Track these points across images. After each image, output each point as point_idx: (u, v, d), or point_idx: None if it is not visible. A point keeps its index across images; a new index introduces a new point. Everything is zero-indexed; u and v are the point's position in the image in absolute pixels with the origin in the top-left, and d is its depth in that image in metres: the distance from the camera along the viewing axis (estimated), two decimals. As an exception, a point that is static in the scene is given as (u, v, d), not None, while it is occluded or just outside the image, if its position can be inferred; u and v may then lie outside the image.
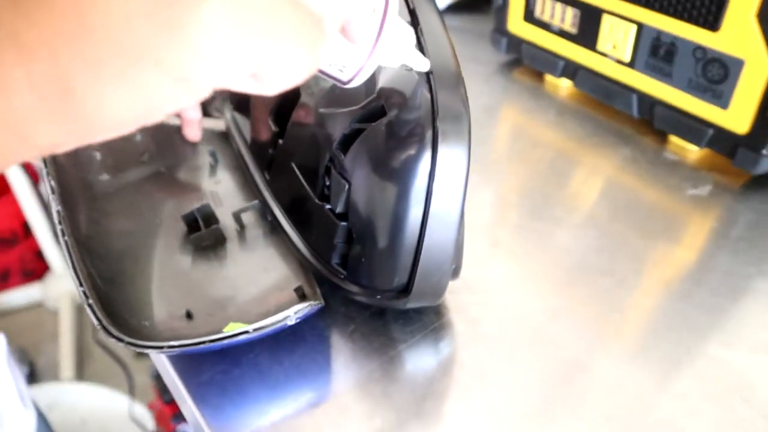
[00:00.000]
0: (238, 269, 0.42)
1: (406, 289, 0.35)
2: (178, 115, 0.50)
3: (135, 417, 1.19)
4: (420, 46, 0.33)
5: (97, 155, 0.48)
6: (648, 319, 0.40)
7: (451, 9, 0.79)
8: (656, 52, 0.52)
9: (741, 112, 0.47)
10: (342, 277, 0.37)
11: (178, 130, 0.51)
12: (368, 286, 0.36)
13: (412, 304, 0.36)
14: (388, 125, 0.34)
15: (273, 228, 0.44)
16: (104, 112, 0.19)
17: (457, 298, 0.40)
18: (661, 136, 0.56)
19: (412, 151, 0.32)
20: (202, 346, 0.33)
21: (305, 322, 0.37)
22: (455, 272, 0.37)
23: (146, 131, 0.51)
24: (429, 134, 0.32)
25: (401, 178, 0.33)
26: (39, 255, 1.57)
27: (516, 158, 0.55)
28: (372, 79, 0.34)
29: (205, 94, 0.21)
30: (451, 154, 0.32)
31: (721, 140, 0.49)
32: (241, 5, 0.19)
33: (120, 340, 0.33)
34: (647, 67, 0.53)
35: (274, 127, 0.43)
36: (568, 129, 0.58)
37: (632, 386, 0.35)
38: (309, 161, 0.39)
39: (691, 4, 0.47)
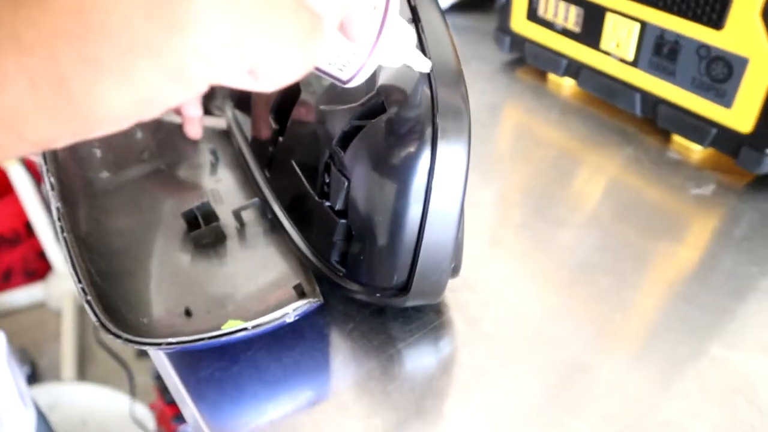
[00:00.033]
0: (238, 267, 0.42)
1: (405, 287, 0.35)
2: (179, 113, 0.50)
3: (136, 417, 1.19)
4: (421, 43, 0.33)
5: (98, 152, 0.48)
6: (650, 319, 0.39)
7: (455, 8, 0.80)
8: (660, 51, 0.51)
9: (745, 111, 0.47)
10: (341, 274, 0.38)
11: (179, 127, 0.51)
12: (367, 284, 0.37)
13: (411, 302, 0.36)
14: (388, 122, 0.34)
15: (273, 226, 0.44)
16: (101, 108, 0.19)
17: (457, 296, 0.40)
18: (665, 136, 0.56)
19: (411, 148, 0.33)
20: (200, 343, 0.33)
21: (304, 319, 0.37)
22: (455, 270, 0.37)
23: (147, 129, 0.52)
24: (429, 131, 0.32)
25: (400, 175, 0.33)
26: (41, 255, 1.58)
27: (518, 157, 0.55)
28: (372, 77, 0.34)
29: (202, 89, 0.21)
30: (450, 151, 0.32)
31: (724, 139, 0.49)
32: (238, 1, 0.19)
33: (118, 336, 0.33)
34: (650, 65, 0.53)
35: (274, 125, 0.44)
36: (571, 128, 0.58)
37: (633, 387, 0.35)
38: (309, 159, 0.39)
39: (695, 2, 0.47)
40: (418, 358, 0.37)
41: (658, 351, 0.37)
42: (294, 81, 0.23)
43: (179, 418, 1.12)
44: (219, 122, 0.53)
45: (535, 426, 0.33)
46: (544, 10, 0.61)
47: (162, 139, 0.51)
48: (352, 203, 0.36)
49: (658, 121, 0.54)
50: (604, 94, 0.58)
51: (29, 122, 0.19)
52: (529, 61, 0.65)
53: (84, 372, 1.46)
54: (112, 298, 0.37)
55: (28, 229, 1.54)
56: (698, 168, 0.52)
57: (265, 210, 0.44)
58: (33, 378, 1.42)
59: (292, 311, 0.34)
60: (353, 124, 0.35)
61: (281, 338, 0.38)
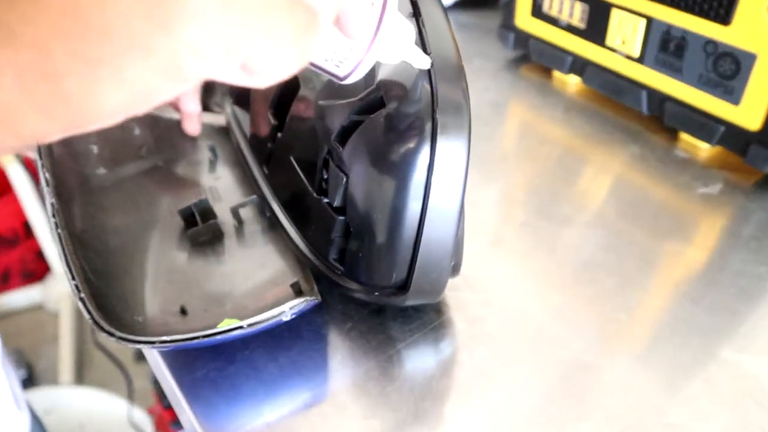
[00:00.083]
0: (235, 265, 0.42)
1: (404, 286, 0.35)
2: (178, 109, 0.50)
3: (134, 422, 1.19)
4: (421, 38, 0.33)
5: (95, 149, 0.48)
6: (655, 320, 0.39)
7: (459, 5, 0.80)
8: (666, 47, 0.51)
9: (753, 108, 0.47)
10: (339, 273, 0.38)
11: (177, 124, 0.51)
12: (366, 283, 0.36)
13: (411, 301, 0.36)
14: (387, 117, 0.34)
15: (271, 224, 0.44)
16: (95, 104, 0.20)
17: (457, 296, 0.40)
18: (671, 133, 0.55)
19: (410, 144, 0.32)
20: (195, 341, 0.33)
21: (302, 319, 0.37)
22: (455, 269, 0.37)
23: (145, 125, 0.52)
24: (428, 126, 0.32)
25: (399, 171, 0.33)
26: (40, 256, 1.58)
27: (523, 155, 0.55)
28: (371, 71, 0.34)
29: (194, 84, 0.21)
30: (450, 146, 0.32)
31: (732, 137, 0.49)
32: None
33: (111, 335, 0.33)
34: (657, 62, 0.53)
35: (273, 121, 0.44)
36: (576, 126, 0.58)
37: (638, 389, 0.35)
38: (308, 155, 0.39)
39: (702, -3, 0.47)
40: (418, 359, 0.37)
41: (664, 352, 0.37)
42: (289, 76, 0.23)
43: (178, 423, 1.12)
44: (218, 119, 0.53)
45: (536, 428, 0.33)
46: (549, 7, 0.61)
47: (160, 135, 0.51)
48: (351, 199, 0.35)
49: (664, 118, 0.54)
50: (610, 92, 0.58)
51: (21, 117, 0.19)
52: (533, 58, 0.65)
53: (82, 376, 1.46)
54: (107, 296, 0.37)
55: (27, 230, 1.54)
56: (705, 166, 0.52)
57: (263, 207, 0.44)
58: (30, 381, 1.43)
59: (288, 309, 0.34)
60: (352, 119, 0.35)
61: (278, 338, 0.38)
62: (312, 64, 0.29)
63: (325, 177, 0.38)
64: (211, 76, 0.21)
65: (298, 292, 0.37)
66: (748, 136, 0.48)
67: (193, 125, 0.51)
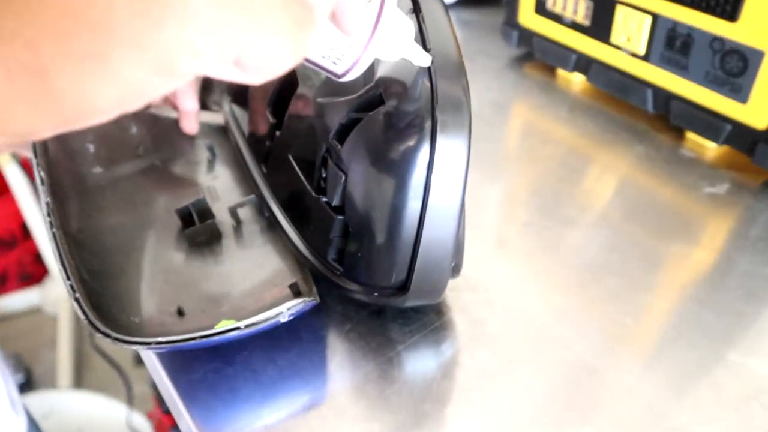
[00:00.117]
0: (233, 265, 0.42)
1: (404, 286, 0.35)
2: (176, 108, 0.50)
3: (133, 427, 1.19)
4: (421, 35, 0.33)
5: (91, 147, 0.48)
6: (661, 322, 0.39)
7: (461, 2, 0.80)
8: (672, 44, 0.51)
9: (761, 107, 0.47)
10: (339, 273, 0.38)
11: (175, 122, 0.51)
12: (365, 283, 0.36)
13: (410, 302, 0.36)
14: (386, 115, 0.34)
15: (270, 224, 0.44)
16: (84, 101, 0.19)
17: (459, 297, 0.40)
18: (678, 133, 0.55)
19: (410, 142, 0.33)
20: (191, 342, 0.33)
21: (300, 320, 0.37)
22: (456, 270, 0.37)
23: (142, 124, 0.52)
24: (428, 124, 0.32)
25: (398, 169, 0.33)
26: (38, 258, 1.59)
27: (526, 155, 0.55)
28: (371, 68, 0.34)
29: (187, 80, 0.21)
30: (450, 145, 0.32)
31: (739, 136, 0.49)
32: None
33: (107, 335, 0.33)
34: (663, 60, 0.52)
35: (271, 119, 0.44)
36: (581, 125, 0.58)
37: (643, 392, 0.35)
38: (306, 153, 0.39)
39: (709, -6, 0.47)
40: (418, 361, 0.37)
41: (670, 355, 0.37)
42: (284, 73, 0.23)
43: (177, 428, 1.12)
44: (216, 118, 0.53)
45: None
46: (553, 3, 0.61)
47: (157, 134, 0.52)
48: (349, 199, 0.35)
49: (670, 117, 0.54)
50: (615, 90, 0.58)
51: (10, 113, 0.19)
52: (537, 56, 0.65)
53: (80, 380, 1.46)
54: (103, 296, 0.37)
55: (25, 232, 1.54)
56: (712, 166, 0.52)
57: (262, 207, 0.45)
58: (28, 385, 1.43)
59: (286, 310, 0.34)
60: (351, 117, 0.36)
61: (277, 339, 0.38)
62: (309, 61, 0.29)
63: (324, 176, 0.38)
64: (204, 72, 0.21)
65: (296, 293, 0.37)
66: (756, 135, 0.48)
67: (191, 124, 0.51)
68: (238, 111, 0.51)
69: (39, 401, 1.25)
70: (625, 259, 0.43)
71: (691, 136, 0.54)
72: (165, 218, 0.45)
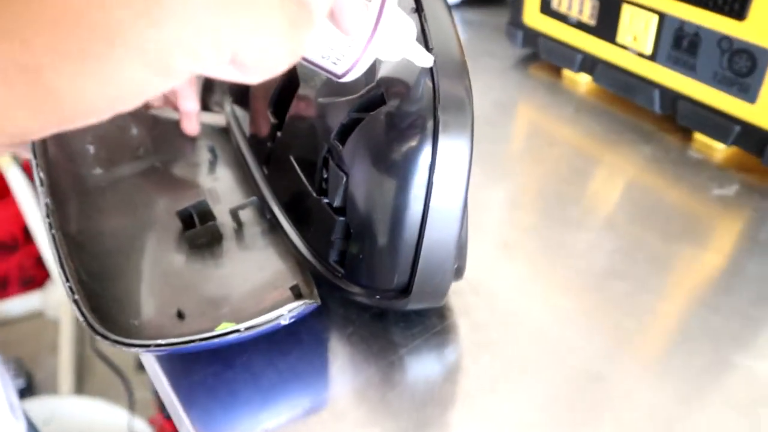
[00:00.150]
0: (234, 268, 0.42)
1: (406, 289, 0.35)
2: (176, 109, 0.51)
3: (134, 432, 1.20)
4: (423, 34, 0.33)
5: (91, 148, 0.48)
6: (668, 327, 0.39)
7: (466, 2, 0.80)
8: (679, 44, 0.51)
9: (770, 107, 0.47)
10: (340, 275, 0.38)
11: (176, 124, 0.51)
12: (367, 286, 0.37)
13: (413, 305, 0.36)
14: (388, 115, 0.34)
15: (272, 226, 0.44)
16: (78, 100, 0.20)
17: (462, 300, 0.40)
18: (685, 134, 0.55)
19: (411, 142, 0.33)
20: (191, 345, 0.33)
21: (301, 323, 0.37)
22: (458, 272, 0.37)
23: (143, 125, 0.52)
24: (430, 124, 0.32)
25: (400, 170, 0.33)
26: (39, 262, 1.59)
27: (531, 157, 0.55)
28: (372, 68, 0.35)
29: (182, 80, 0.21)
30: (452, 145, 0.32)
31: (748, 137, 0.49)
32: None
33: (105, 337, 0.33)
34: (670, 59, 0.52)
35: (273, 119, 0.44)
36: (586, 126, 0.58)
37: (649, 398, 0.35)
38: (307, 154, 0.40)
39: (716, -8, 0.47)
40: (420, 365, 0.37)
41: (677, 360, 0.37)
42: (281, 72, 0.23)
43: (178, 432, 1.12)
44: (218, 119, 0.54)
45: (542, 436, 0.33)
46: (558, 3, 0.61)
47: (158, 135, 0.52)
48: (351, 200, 0.36)
49: (677, 118, 0.54)
50: (621, 91, 0.58)
51: (5, 111, 0.19)
52: (542, 57, 0.65)
53: (82, 385, 1.47)
54: (102, 298, 0.37)
55: (26, 235, 1.55)
56: (721, 167, 0.52)
57: (263, 209, 0.45)
58: (29, 390, 1.43)
59: (287, 312, 0.34)
60: (352, 117, 0.36)
61: (277, 342, 0.38)
62: (308, 62, 0.29)
63: (325, 177, 0.38)
64: (201, 72, 0.21)
65: (297, 295, 0.38)
66: (765, 135, 0.48)
67: (191, 125, 0.51)
68: (240, 112, 0.51)
69: (40, 406, 1.25)
70: (632, 263, 0.43)
71: (698, 137, 0.54)
72: (165, 220, 0.45)
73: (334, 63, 0.29)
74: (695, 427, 0.33)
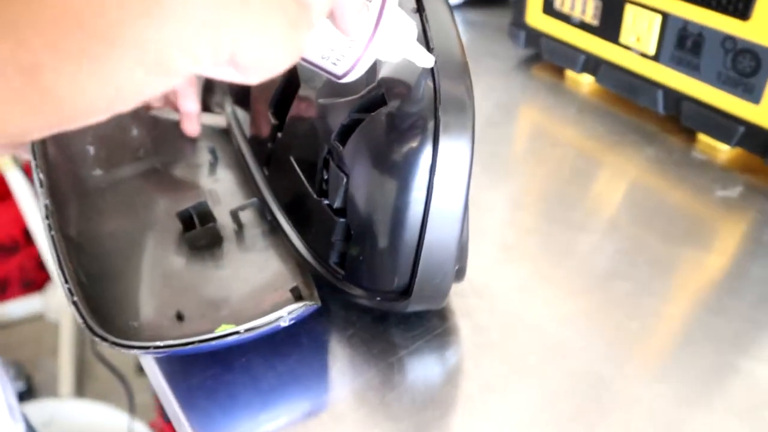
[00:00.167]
0: (234, 269, 0.42)
1: (406, 291, 0.35)
2: (177, 109, 0.51)
3: (135, 435, 1.20)
4: (425, 34, 0.33)
5: (91, 149, 0.49)
6: (671, 330, 0.39)
7: (468, 2, 0.80)
8: (683, 44, 0.51)
9: (774, 108, 0.47)
10: (341, 277, 0.38)
11: (176, 125, 0.52)
12: (367, 287, 0.37)
13: (413, 306, 0.36)
14: (388, 116, 0.34)
15: (272, 228, 0.44)
16: (75, 99, 0.20)
17: (463, 302, 0.40)
18: (689, 135, 0.55)
19: (412, 143, 0.33)
20: (190, 347, 0.33)
21: (302, 325, 0.37)
22: (459, 274, 0.37)
23: (143, 126, 0.52)
24: (430, 125, 0.32)
25: (400, 171, 0.33)
26: (40, 264, 1.60)
27: (533, 158, 0.55)
28: (373, 68, 0.35)
29: (180, 80, 0.21)
30: (453, 146, 0.32)
31: (753, 138, 0.49)
32: None
33: (104, 339, 0.33)
34: (673, 60, 0.52)
35: (273, 120, 0.44)
36: (589, 127, 0.58)
37: (651, 401, 0.35)
38: (308, 155, 0.40)
39: (720, -8, 0.47)
40: (421, 367, 0.37)
41: (679, 363, 0.37)
42: (280, 72, 0.24)
43: (178, 436, 1.12)
44: (219, 120, 0.54)
45: (543, 439, 0.33)
46: (561, 3, 0.61)
47: (158, 136, 0.52)
48: (351, 201, 0.36)
49: (681, 119, 0.54)
50: (625, 91, 0.58)
51: (3, 112, 0.19)
52: (545, 57, 0.65)
53: (82, 388, 1.47)
54: (101, 300, 0.37)
55: (27, 237, 1.56)
56: (725, 169, 0.52)
57: (264, 211, 0.45)
58: (29, 393, 1.44)
59: (287, 314, 0.34)
60: (352, 118, 0.36)
61: (277, 345, 0.38)
62: (308, 62, 0.29)
63: (326, 178, 0.38)
64: (199, 72, 0.21)
65: (297, 297, 0.38)
66: (769, 136, 0.48)
67: (192, 126, 0.51)
68: (241, 113, 0.51)
69: (40, 409, 1.25)
70: (634, 265, 0.43)
71: (702, 138, 0.54)
72: (165, 222, 0.45)
73: (334, 63, 0.29)
74: (697, 431, 0.33)
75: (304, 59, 0.29)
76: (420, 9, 0.35)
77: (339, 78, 0.30)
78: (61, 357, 1.48)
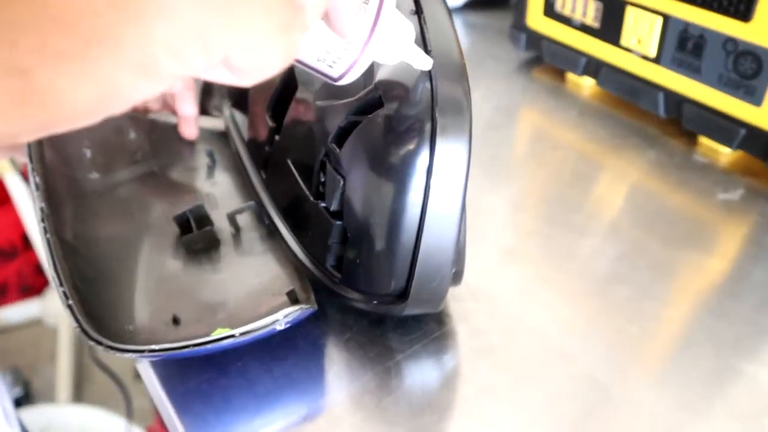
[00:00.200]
0: (231, 273, 0.42)
1: (403, 294, 0.35)
2: (175, 112, 0.51)
3: (133, 441, 1.20)
4: (422, 36, 0.34)
5: (88, 153, 0.49)
6: (672, 333, 0.39)
7: (469, 5, 0.80)
8: (684, 46, 0.51)
9: (776, 110, 0.47)
10: (337, 280, 0.38)
11: (174, 128, 0.52)
12: (364, 291, 0.37)
13: (410, 310, 0.36)
14: (385, 118, 0.34)
15: (270, 231, 0.44)
16: (64, 102, 0.20)
17: (461, 306, 0.40)
18: (690, 137, 0.55)
19: (409, 145, 0.33)
20: (185, 350, 0.33)
21: (298, 329, 0.38)
22: (456, 277, 0.37)
23: (141, 129, 0.53)
24: (427, 127, 0.32)
25: (397, 173, 0.33)
26: (38, 269, 1.60)
27: (534, 161, 0.55)
28: (370, 70, 0.35)
29: (171, 82, 0.21)
30: (450, 148, 0.32)
31: (754, 140, 0.49)
32: None
33: (99, 343, 0.33)
34: (674, 62, 0.53)
35: (271, 123, 0.44)
36: (590, 130, 0.58)
37: (651, 405, 0.35)
38: (305, 157, 0.40)
39: (721, -6, 0.47)
40: (418, 371, 0.37)
41: (680, 367, 0.37)
42: (273, 74, 0.24)
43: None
44: (217, 123, 0.54)
45: (541, 444, 0.33)
46: (562, 5, 0.61)
47: (156, 139, 0.52)
48: (348, 204, 0.36)
49: (682, 121, 0.54)
50: (626, 94, 0.58)
51: None
52: (546, 60, 0.66)
53: (80, 393, 1.47)
54: (96, 303, 0.37)
55: (25, 242, 1.56)
56: (726, 172, 0.52)
57: (261, 214, 0.45)
58: (26, 399, 1.44)
59: (282, 318, 0.34)
60: (349, 120, 0.36)
61: (273, 348, 0.38)
62: (304, 64, 0.29)
63: (323, 180, 0.38)
64: (190, 74, 0.21)
65: (294, 300, 0.38)
66: (771, 139, 0.48)
67: (190, 129, 0.51)
68: (239, 116, 0.52)
69: (37, 415, 1.25)
70: (635, 268, 0.43)
71: (704, 140, 0.54)
72: (162, 225, 0.45)
73: (330, 66, 0.29)
74: (698, 436, 0.33)
75: (299, 61, 0.29)
76: (418, 11, 0.35)
77: (335, 80, 0.30)
78: (60, 362, 1.48)
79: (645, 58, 0.55)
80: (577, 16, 0.60)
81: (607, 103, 0.61)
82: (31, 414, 1.26)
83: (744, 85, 0.48)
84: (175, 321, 0.38)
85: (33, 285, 1.64)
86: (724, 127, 0.50)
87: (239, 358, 0.38)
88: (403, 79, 0.34)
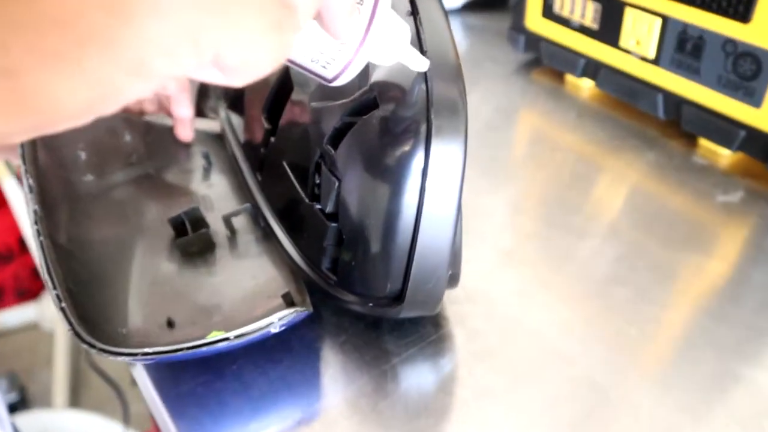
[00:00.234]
0: (227, 276, 0.42)
1: (399, 296, 0.35)
2: (170, 115, 0.51)
3: (129, 447, 1.20)
4: (418, 37, 0.34)
5: (82, 155, 0.49)
6: (671, 336, 0.39)
7: (468, 7, 0.80)
8: (683, 48, 0.51)
9: (776, 111, 0.47)
10: (333, 283, 0.38)
11: (170, 130, 0.52)
12: (360, 293, 0.37)
13: (406, 312, 0.36)
14: (380, 119, 0.34)
15: (265, 234, 0.44)
16: (55, 102, 0.20)
17: (457, 308, 0.40)
18: (690, 139, 0.55)
19: (404, 147, 0.33)
20: (179, 353, 0.33)
21: (293, 331, 0.38)
22: (453, 280, 0.37)
23: (136, 131, 0.53)
24: (423, 129, 0.33)
25: (392, 175, 0.33)
26: (35, 273, 1.60)
27: (533, 163, 0.55)
28: (365, 71, 0.35)
29: (162, 82, 0.21)
30: (446, 150, 0.33)
31: (754, 142, 0.49)
32: None
33: (92, 346, 0.33)
34: (673, 63, 0.53)
35: (266, 125, 0.44)
36: (589, 132, 0.58)
37: (651, 409, 0.35)
38: (300, 159, 0.40)
39: (720, -5, 0.48)
40: (414, 375, 0.37)
41: (679, 370, 0.37)
42: (265, 75, 0.24)
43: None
44: (213, 125, 0.54)
45: (538, 448, 0.33)
46: (560, 7, 0.61)
47: (152, 141, 0.52)
48: (343, 205, 0.36)
49: (682, 123, 0.54)
50: (625, 96, 0.58)
51: None
52: (545, 62, 0.66)
53: (77, 398, 1.47)
54: (90, 306, 0.37)
55: (22, 246, 1.56)
56: (726, 173, 0.52)
57: (257, 217, 0.45)
58: (23, 404, 1.44)
59: (277, 321, 0.34)
60: (345, 121, 0.36)
61: (268, 351, 0.38)
62: (298, 65, 0.29)
63: (318, 182, 0.38)
64: (181, 74, 0.21)
65: (289, 303, 0.38)
66: (771, 140, 0.48)
67: (186, 131, 0.51)
68: (235, 118, 0.52)
69: (33, 421, 1.25)
70: (634, 270, 0.43)
71: (703, 142, 0.54)
72: (157, 228, 0.45)
73: (324, 67, 0.29)
74: (697, 439, 0.33)
75: (293, 62, 0.29)
76: (414, 12, 0.35)
77: (329, 81, 0.30)
78: (56, 367, 1.48)
79: (644, 59, 0.55)
80: (576, 18, 0.60)
81: (606, 105, 0.61)
82: (27, 419, 1.26)
83: (743, 87, 0.48)
84: (170, 324, 0.38)
85: (30, 289, 1.64)
86: (724, 129, 0.50)
87: (234, 361, 0.38)
88: (399, 81, 0.34)
